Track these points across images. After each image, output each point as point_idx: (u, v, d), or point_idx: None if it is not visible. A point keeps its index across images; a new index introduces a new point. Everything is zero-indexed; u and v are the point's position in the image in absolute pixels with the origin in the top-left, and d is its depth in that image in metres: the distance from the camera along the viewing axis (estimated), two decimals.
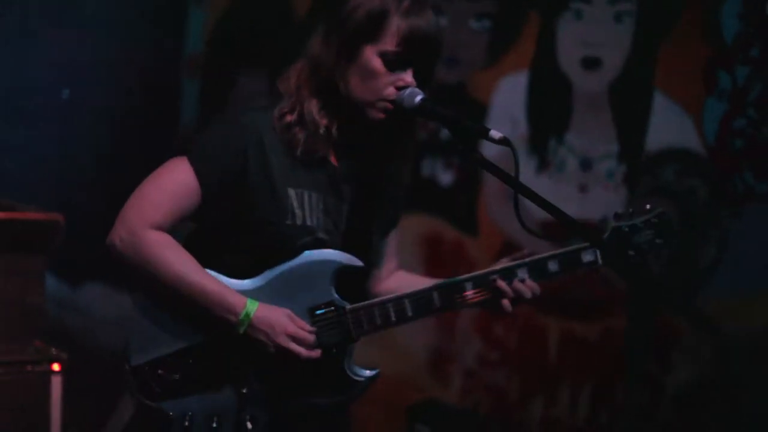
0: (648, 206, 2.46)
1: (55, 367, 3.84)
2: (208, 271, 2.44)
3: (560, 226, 2.35)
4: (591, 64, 3.64)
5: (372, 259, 2.57)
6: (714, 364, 3.28)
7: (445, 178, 4.05)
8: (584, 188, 3.63)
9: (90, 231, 5.16)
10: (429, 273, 2.82)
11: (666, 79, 3.43)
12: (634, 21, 3.53)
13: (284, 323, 2.40)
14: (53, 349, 3.93)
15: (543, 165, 3.75)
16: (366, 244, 2.54)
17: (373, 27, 2.37)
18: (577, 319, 3.61)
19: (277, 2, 4.84)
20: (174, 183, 2.44)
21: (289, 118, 2.42)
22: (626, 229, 2.45)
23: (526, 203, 2.29)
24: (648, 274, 3.33)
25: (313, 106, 2.42)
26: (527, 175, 3.77)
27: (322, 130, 2.42)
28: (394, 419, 4.06)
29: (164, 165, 2.46)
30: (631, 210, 2.47)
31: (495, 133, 2.28)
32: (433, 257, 2.83)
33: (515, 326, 3.78)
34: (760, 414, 3.21)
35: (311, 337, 2.41)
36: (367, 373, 2.50)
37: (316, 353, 2.42)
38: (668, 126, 3.41)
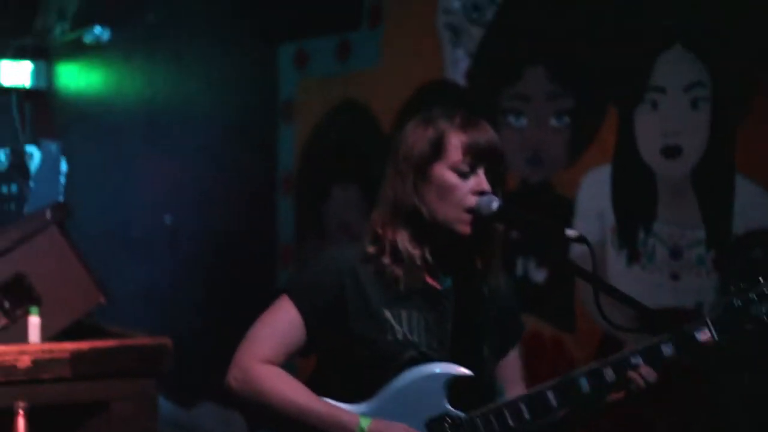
0: (761, 279, 2.42)
1: None
2: (328, 400, 2.52)
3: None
4: (671, 152, 3.66)
5: (487, 378, 2.60)
6: None
7: (539, 275, 4.08)
8: (676, 276, 3.61)
9: (198, 353, 5.31)
10: (530, 371, 2.82)
11: (746, 161, 3.42)
12: (710, 106, 3.55)
13: None
14: None
15: (633, 256, 3.75)
16: (477, 360, 2.56)
17: (436, 148, 2.52)
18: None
19: (364, 118, 4.96)
20: (278, 319, 2.57)
21: (384, 260, 2.54)
22: (739, 304, 2.40)
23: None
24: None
25: (404, 239, 2.53)
26: (618, 267, 3.78)
27: (418, 261, 2.53)
28: None
29: (270, 306, 2.59)
30: (743, 285, 2.42)
31: (571, 232, 2.35)
32: (532, 355, 2.84)
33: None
34: None
35: None
36: None
37: None
38: (752, 208, 3.39)
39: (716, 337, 2.41)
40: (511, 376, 2.72)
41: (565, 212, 3.98)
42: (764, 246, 3.37)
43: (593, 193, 3.92)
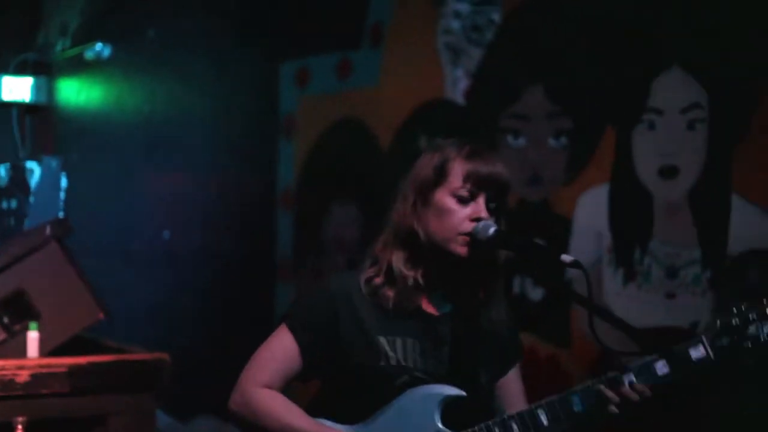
0: (766, 300, 2.46)
1: None
2: (323, 420, 2.60)
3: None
4: (668, 172, 3.68)
5: (484, 399, 2.65)
6: None
7: (535, 294, 4.10)
8: (671, 296, 3.64)
9: (197, 367, 5.32)
10: (527, 389, 2.84)
11: (743, 182, 3.44)
12: (707, 127, 3.57)
13: None
14: None
15: (629, 276, 3.77)
16: (473, 383, 2.61)
17: (440, 174, 2.58)
18: None
19: (363, 136, 4.98)
20: (277, 347, 2.66)
21: (376, 280, 2.61)
22: (737, 323, 2.44)
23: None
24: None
25: (399, 260, 2.60)
26: (615, 286, 3.81)
27: (410, 282, 2.58)
28: None
29: (272, 333, 2.69)
30: (744, 306, 2.46)
31: (566, 257, 2.41)
32: (528, 372, 2.86)
33: None
34: None
35: None
36: None
37: None
38: (749, 228, 3.41)
39: (711, 355, 2.45)
40: (511, 395, 2.76)
41: (563, 231, 4.01)
42: (760, 266, 3.39)
43: (590, 213, 3.94)
